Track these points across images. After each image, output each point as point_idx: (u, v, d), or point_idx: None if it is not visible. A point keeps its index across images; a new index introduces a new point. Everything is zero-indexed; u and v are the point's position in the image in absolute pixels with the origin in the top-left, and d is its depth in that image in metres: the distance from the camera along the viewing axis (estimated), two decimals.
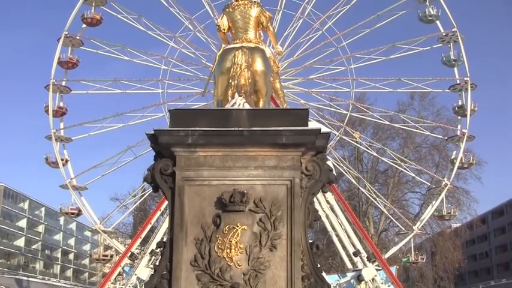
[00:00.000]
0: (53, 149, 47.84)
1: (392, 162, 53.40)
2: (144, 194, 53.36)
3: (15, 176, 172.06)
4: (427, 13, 48.56)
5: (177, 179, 9.72)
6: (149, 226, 46.09)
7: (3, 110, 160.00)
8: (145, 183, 17.08)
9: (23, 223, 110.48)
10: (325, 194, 37.72)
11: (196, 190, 9.70)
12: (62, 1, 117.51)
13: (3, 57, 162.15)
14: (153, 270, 9.92)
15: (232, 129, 9.73)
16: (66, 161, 48.61)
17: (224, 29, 13.45)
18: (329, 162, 10.39)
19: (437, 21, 48.88)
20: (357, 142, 53.21)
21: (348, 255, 43.26)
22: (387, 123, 54.48)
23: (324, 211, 41.73)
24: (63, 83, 49.27)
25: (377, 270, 41.35)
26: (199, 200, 9.65)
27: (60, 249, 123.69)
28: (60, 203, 50.80)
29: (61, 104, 49.19)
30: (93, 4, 49.05)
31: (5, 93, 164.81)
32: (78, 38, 49.02)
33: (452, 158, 49.84)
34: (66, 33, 48.39)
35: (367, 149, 54.81)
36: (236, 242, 9.33)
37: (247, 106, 11.55)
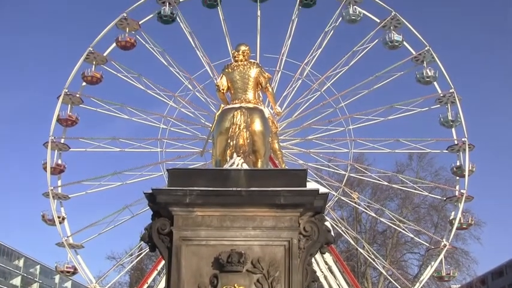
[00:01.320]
0: (50, 206, 47.62)
1: (390, 222, 53.16)
2: (141, 253, 52.87)
3: (11, 232, 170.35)
4: (424, 74, 49.08)
5: (174, 238, 9.69)
6: (146, 286, 45.64)
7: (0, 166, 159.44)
8: (142, 242, 16.98)
9: (17, 281, 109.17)
10: (324, 255, 37.48)
11: (194, 250, 9.66)
12: (62, 59, 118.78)
13: (2, 112, 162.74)
14: None
15: (231, 189, 9.76)
16: (63, 218, 48.35)
17: (223, 89, 13.58)
18: (327, 223, 10.38)
19: (435, 83, 49.37)
20: (355, 202, 53.06)
21: None
22: (386, 183, 54.35)
23: (322, 272, 41.38)
24: (62, 141, 49.33)
25: None
26: (197, 260, 9.59)
27: None
28: (55, 261, 50.30)
29: (59, 162, 49.16)
30: (94, 63, 49.60)
31: (3, 150, 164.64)
32: (78, 96, 49.32)
33: (451, 218, 49.68)
34: (66, 91, 48.72)
35: (366, 209, 54.67)
36: None
37: (245, 166, 11.59)
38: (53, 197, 47.66)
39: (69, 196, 49.24)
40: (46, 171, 48.09)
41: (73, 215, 51.87)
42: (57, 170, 48.93)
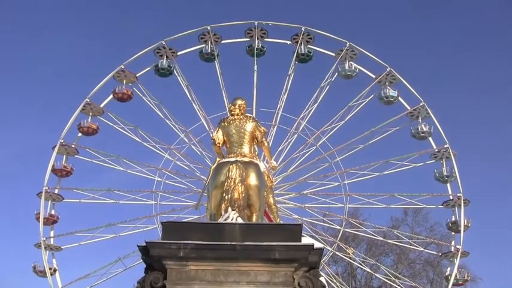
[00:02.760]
0: (42, 257, 47.14)
1: (386, 278, 52.73)
2: None
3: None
4: (419, 130, 49.43)
5: None
6: None
7: None
8: None
9: None
10: None
11: None
12: (58, 109, 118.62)
13: None
14: None
15: (225, 243, 9.71)
16: (55, 270, 47.81)
17: (219, 143, 13.63)
18: (322, 278, 10.31)
19: (430, 138, 49.71)
20: (350, 258, 52.73)
21: None
22: (381, 239, 54.13)
23: None
24: (56, 191, 49.14)
25: None
26: None
27: None
28: None
29: (52, 212, 48.85)
30: (90, 114, 49.78)
31: None
32: (73, 146, 49.34)
33: (446, 274, 49.39)
34: (62, 141, 48.72)
35: (361, 264, 54.32)
36: None
37: (240, 220, 11.54)
38: (45, 248, 47.22)
39: (62, 247, 48.82)
40: (39, 221, 47.72)
41: (65, 266, 51.11)
42: (50, 221, 48.61)
